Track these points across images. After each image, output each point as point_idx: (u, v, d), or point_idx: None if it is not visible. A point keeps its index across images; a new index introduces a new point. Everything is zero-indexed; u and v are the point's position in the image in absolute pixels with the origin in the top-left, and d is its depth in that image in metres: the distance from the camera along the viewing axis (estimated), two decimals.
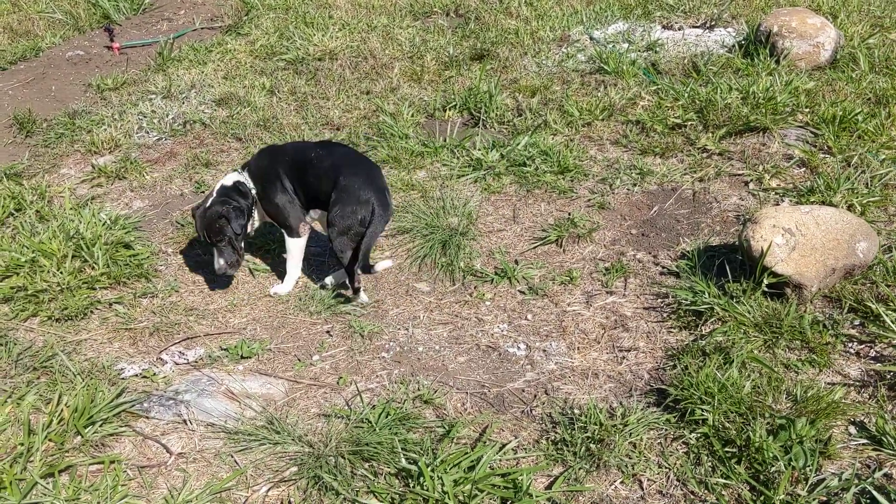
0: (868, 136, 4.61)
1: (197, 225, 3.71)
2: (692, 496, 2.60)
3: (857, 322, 3.27)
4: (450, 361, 3.40)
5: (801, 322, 3.20)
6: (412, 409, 3.05)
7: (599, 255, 4.01)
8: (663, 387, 3.02)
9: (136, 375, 3.30)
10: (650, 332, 3.43)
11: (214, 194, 3.70)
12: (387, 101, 5.79)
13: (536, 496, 2.58)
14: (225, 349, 3.46)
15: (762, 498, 2.51)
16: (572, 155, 4.80)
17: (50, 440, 2.89)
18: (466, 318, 3.67)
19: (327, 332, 3.60)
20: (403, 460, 2.70)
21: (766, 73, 5.38)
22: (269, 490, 2.70)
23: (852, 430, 2.78)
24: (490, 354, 3.43)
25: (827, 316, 3.29)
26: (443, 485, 2.57)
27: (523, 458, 2.80)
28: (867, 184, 4.14)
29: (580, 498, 2.63)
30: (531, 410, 3.06)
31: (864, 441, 2.72)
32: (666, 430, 2.84)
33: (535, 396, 3.14)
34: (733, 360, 3.00)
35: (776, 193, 4.26)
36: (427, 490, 2.56)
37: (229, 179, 3.75)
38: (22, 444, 2.84)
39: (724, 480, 2.61)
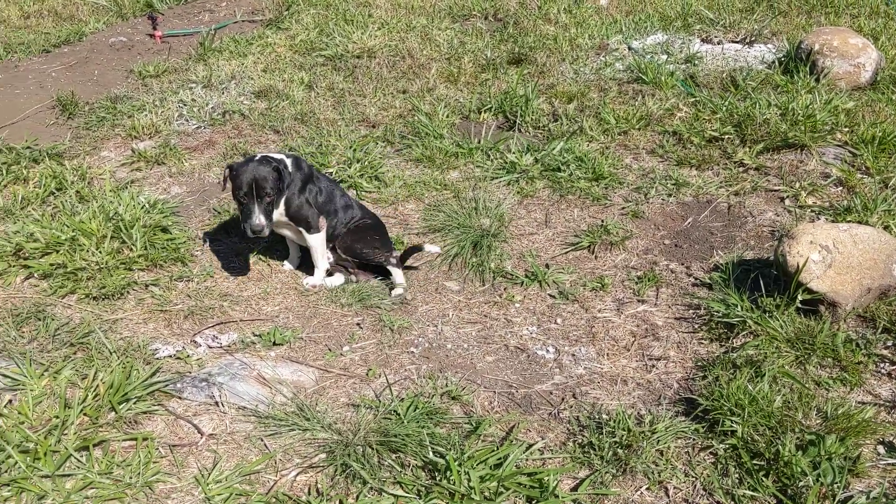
0: None
1: (243, 178, 3.51)
2: None
3: (889, 343, 3.25)
4: (478, 360, 3.42)
5: (834, 340, 3.18)
6: (440, 404, 3.08)
7: (632, 264, 4.01)
8: (692, 396, 3.02)
9: (171, 356, 3.35)
10: (681, 343, 3.43)
11: (258, 156, 3.61)
12: (423, 100, 5.83)
13: (562, 497, 2.59)
14: (258, 335, 3.51)
15: None
16: (607, 162, 4.80)
17: (85, 414, 2.95)
18: (496, 318, 3.69)
19: (358, 324, 3.64)
20: (431, 453, 2.72)
21: (805, 90, 5.36)
22: (297, 475, 2.74)
23: (881, 449, 2.76)
24: (518, 356, 3.45)
25: (860, 335, 3.27)
26: (469, 480, 2.59)
27: (549, 458, 2.81)
28: None
29: (605, 502, 2.64)
30: (558, 413, 3.07)
31: (893, 461, 2.70)
32: (694, 439, 2.84)
33: (563, 399, 3.15)
34: (764, 374, 2.99)
35: (812, 211, 4.24)
36: (454, 484, 2.58)
37: (275, 154, 3.75)
38: (57, 417, 2.90)
39: (751, 492, 2.60)
